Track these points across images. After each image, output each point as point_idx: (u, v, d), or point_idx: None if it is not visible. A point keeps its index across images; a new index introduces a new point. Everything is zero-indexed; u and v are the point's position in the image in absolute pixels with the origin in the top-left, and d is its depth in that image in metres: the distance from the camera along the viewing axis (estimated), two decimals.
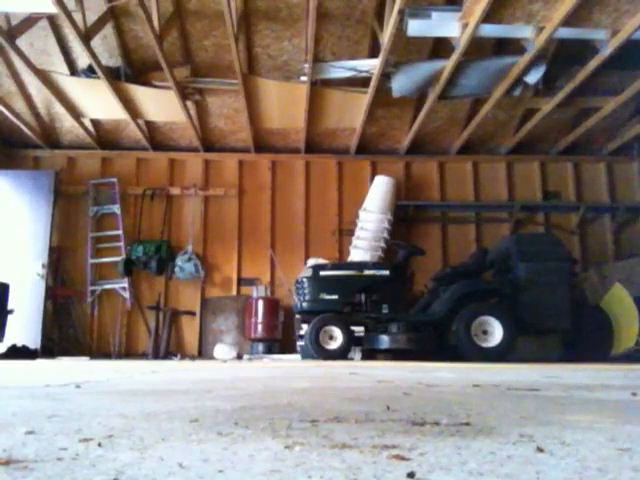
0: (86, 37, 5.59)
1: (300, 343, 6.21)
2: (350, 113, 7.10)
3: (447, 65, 5.84)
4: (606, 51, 5.41)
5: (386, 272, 5.89)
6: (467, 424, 0.77)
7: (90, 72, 6.40)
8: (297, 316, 6.46)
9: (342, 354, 5.60)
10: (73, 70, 6.66)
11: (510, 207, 8.15)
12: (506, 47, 6.17)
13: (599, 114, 7.00)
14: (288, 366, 3.57)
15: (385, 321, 5.79)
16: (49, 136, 7.95)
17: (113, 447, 0.61)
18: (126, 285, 7.61)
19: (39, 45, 6.38)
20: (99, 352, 7.47)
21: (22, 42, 5.78)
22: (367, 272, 5.92)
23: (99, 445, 0.62)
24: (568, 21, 4.98)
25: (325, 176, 8.22)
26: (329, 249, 7.86)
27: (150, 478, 0.48)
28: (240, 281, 7.88)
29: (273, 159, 8.25)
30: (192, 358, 7.27)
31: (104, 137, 8.04)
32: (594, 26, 5.16)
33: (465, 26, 5.19)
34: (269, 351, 7.07)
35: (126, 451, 0.59)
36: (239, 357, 6.94)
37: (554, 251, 5.87)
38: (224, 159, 8.25)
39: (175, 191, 8.05)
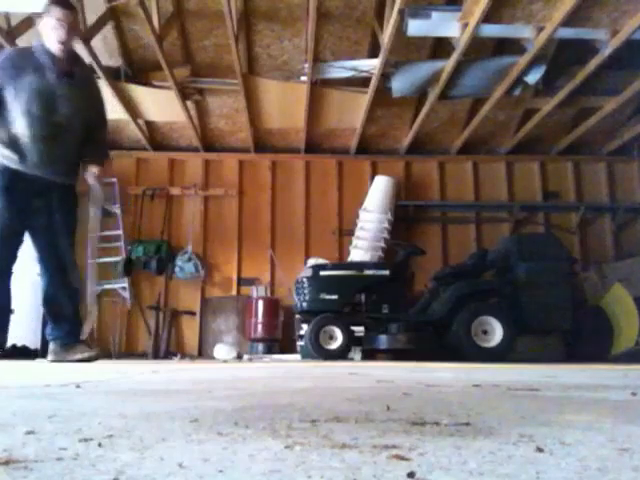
0: (86, 37, 5.59)
1: (300, 343, 6.22)
2: (350, 113, 7.10)
3: (447, 65, 5.84)
4: (606, 51, 5.41)
5: (386, 272, 5.89)
6: (467, 424, 0.77)
7: None
8: (297, 316, 6.46)
9: (342, 354, 5.60)
10: None
11: (510, 207, 8.15)
12: (506, 47, 6.17)
13: (599, 114, 7.00)
14: (288, 366, 3.58)
15: (385, 321, 5.79)
16: None
17: (113, 447, 0.61)
18: (126, 285, 7.61)
19: None
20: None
21: (22, 42, 5.77)
22: (367, 272, 5.92)
23: (99, 445, 0.62)
24: (568, 21, 4.99)
25: (325, 176, 8.22)
26: (329, 249, 7.86)
27: (150, 478, 0.48)
28: (240, 281, 7.88)
29: (273, 159, 8.25)
30: (192, 358, 7.27)
31: None
32: (594, 26, 5.16)
33: (465, 26, 5.19)
34: (269, 351, 7.07)
35: (126, 451, 0.59)
36: (239, 357, 6.94)
37: (554, 251, 5.87)
38: (224, 159, 8.25)
39: (175, 191, 8.05)
